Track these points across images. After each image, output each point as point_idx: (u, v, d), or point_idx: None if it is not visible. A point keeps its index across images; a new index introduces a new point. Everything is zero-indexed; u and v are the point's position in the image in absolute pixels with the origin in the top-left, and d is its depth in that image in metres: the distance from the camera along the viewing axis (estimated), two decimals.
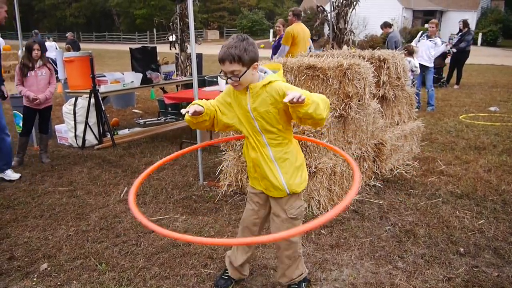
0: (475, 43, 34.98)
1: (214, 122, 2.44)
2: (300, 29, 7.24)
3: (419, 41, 8.78)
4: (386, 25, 9.90)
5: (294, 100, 1.99)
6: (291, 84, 4.15)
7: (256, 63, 2.24)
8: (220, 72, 2.28)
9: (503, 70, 18.04)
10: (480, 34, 35.04)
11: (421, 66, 8.58)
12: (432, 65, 8.87)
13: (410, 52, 7.86)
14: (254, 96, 2.29)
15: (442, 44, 8.94)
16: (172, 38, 9.51)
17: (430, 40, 8.75)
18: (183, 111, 2.29)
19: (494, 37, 35.02)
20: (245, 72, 2.20)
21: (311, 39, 7.81)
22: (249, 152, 2.47)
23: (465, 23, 11.30)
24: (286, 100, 2.01)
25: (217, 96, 2.52)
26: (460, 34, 11.37)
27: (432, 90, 8.75)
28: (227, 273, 2.84)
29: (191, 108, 2.27)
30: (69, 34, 17.41)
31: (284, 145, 2.39)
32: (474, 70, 17.72)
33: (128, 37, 47.06)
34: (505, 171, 4.95)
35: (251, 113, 2.32)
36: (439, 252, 3.22)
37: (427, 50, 8.72)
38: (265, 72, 2.35)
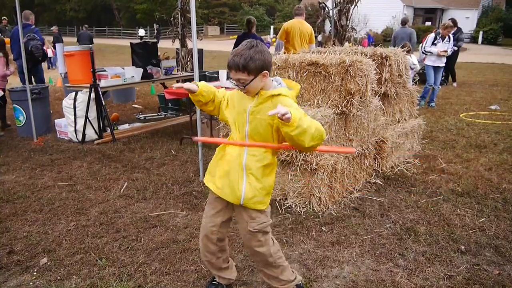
0: (476, 42, 35.00)
1: (218, 109, 2.45)
2: (296, 25, 7.26)
3: (435, 44, 8.76)
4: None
5: (278, 115, 1.93)
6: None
7: (265, 71, 2.16)
8: (231, 78, 2.24)
9: (504, 68, 18.01)
10: (481, 33, 35.02)
11: (435, 67, 8.81)
12: (443, 64, 8.99)
13: (407, 50, 7.86)
14: (259, 101, 2.24)
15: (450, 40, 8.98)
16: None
17: (444, 42, 8.79)
18: (175, 85, 2.35)
19: (495, 36, 35.01)
20: (251, 80, 2.15)
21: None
22: (228, 147, 2.38)
23: (454, 23, 11.27)
24: (270, 113, 1.95)
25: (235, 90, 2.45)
26: (451, 33, 11.34)
27: (438, 87, 8.95)
28: (216, 280, 2.74)
29: (183, 84, 2.32)
30: (54, 28, 17.83)
31: (261, 160, 2.29)
32: (474, 68, 17.69)
33: (128, 32, 46.94)
34: (506, 170, 4.94)
35: (247, 115, 2.27)
36: (440, 250, 3.21)
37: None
38: (279, 84, 2.29)
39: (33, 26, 7.84)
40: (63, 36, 20.89)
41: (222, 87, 3.48)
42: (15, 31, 7.43)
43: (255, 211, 2.36)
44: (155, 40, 11.30)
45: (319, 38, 13.01)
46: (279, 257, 2.52)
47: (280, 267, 2.52)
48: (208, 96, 2.38)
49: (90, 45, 6.83)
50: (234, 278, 2.74)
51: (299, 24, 7.25)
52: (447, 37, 8.78)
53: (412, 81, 6.96)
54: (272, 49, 8.33)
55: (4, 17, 16.29)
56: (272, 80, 2.30)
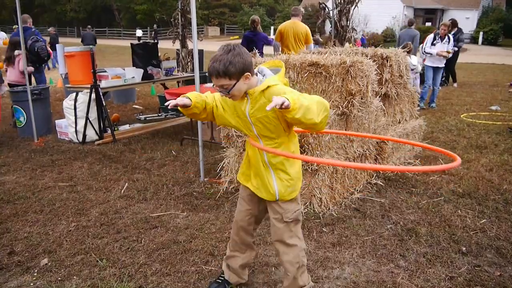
0: (476, 42, 35.00)
1: (213, 115, 2.38)
2: (289, 26, 7.36)
3: (434, 44, 8.76)
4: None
5: (277, 107, 1.89)
6: (293, 81, 4.15)
7: (247, 73, 2.11)
8: (213, 85, 2.20)
9: (504, 69, 18.00)
10: (481, 33, 35.00)
11: (434, 68, 8.79)
12: (443, 65, 8.99)
13: (407, 50, 7.85)
14: (253, 102, 2.20)
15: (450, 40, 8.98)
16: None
17: (443, 43, 8.79)
18: (167, 103, 2.24)
19: (495, 36, 34.99)
20: (234, 84, 2.10)
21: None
22: (249, 148, 2.42)
23: (454, 23, 11.27)
24: (268, 108, 1.90)
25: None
26: (452, 33, 11.33)
27: (438, 88, 9.00)
28: (223, 276, 2.76)
29: (174, 101, 2.22)
30: (51, 29, 18.09)
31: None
32: (475, 69, 17.69)
33: (129, 33, 46.93)
34: (507, 171, 4.94)
35: (249, 119, 2.24)
36: (441, 251, 3.21)
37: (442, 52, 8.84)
38: (264, 75, 2.24)
39: (33, 29, 8.03)
40: (64, 37, 21.01)
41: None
42: (17, 33, 7.56)
43: (287, 201, 2.39)
44: (155, 41, 11.31)
45: (317, 37, 13.36)
46: (304, 256, 2.54)
47: (303, 267, 2.54)
48: (201, 105, 2.31)
49: (91, 46, 6.82)
50: (246, 280, 2.76)
51: (293, 25, 7.33)
52: (446, 37, 8.77)
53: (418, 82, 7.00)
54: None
55: (17, 26, 16.49)
56: (257, 74, 2.24)
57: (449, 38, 8.82)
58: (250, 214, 2.56)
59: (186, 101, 2.24)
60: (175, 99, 2.25)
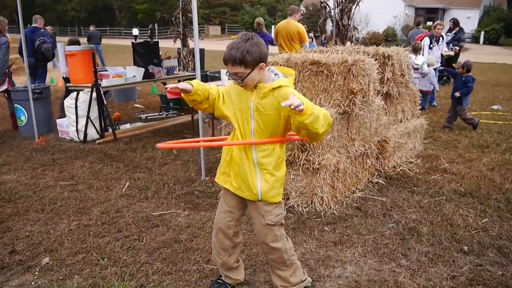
0: (477, 42, 34.94)
1: (213, 106, 2.40)
2: (282, 25, 7.45)
3: (431, 48, 8.74)
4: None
5: (292, 107, 1.92)
6: (295, 79, 4.14)
7: (262, 63, 2.14)
8: (227, 72, 2.23)
9: (506, 68, 17.99)
10: (483, 33, 34.94)
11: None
12: (438, 65, 8.98)
13: (415, 50, 7.78)
14: (260, 96, 2.22)
15: (444, 40, 8.99)
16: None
17: (439, 45, 8.78)
18: (167, 86, 2.31)
19: (497, 36, 34.92)
20: (249, 73, 2.13)
21: (314, 35, 7.90)
22: (233, 148, 2.38)
23: (455, 23, 11.24)
24: (283, 104, 1.94)
25: (227, 85, 2.46)
26: (453, 32, 11.29)
27: (437, 86, 8.95)
28: (221, 279, 2.75)
29: (175, 84, 2.26)
30: (49, 28, 18.24)
31: (270, 152, 2.30)
32: (476, 68, 17.58)
33: (129, 32, 46.87)
34: (509, 170, 4.92)
35: (252, 112, 2.25)
36: (443, 250, 3.20)
37: (438, 53, 8.83)
38: (276, 74, 2.27)
39: (42, 30, 8.44)
40: (65, 36, 21.07)
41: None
42: (26, 32, 7.71)
43: (271, 204, 2.38)
44: (156, 40, 11.33)
45: (311, 35, 13.66)
46: (293, 254, 2.53)
47: (293, 265, 2.52)
48: (203, 94, 2.33)
49: (91, 45, 6.83)
50: (242, 279, 2.74)
51: (285, 25, 7.41)
52: (440, 38, 8.75)
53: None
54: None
55: (49, 27, 16.93)
56: (269, 72, 2.27)
57: (442, 37, 8.81)
58: (230, 216, 2.51)
59: (188, 87, 2.27)
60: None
